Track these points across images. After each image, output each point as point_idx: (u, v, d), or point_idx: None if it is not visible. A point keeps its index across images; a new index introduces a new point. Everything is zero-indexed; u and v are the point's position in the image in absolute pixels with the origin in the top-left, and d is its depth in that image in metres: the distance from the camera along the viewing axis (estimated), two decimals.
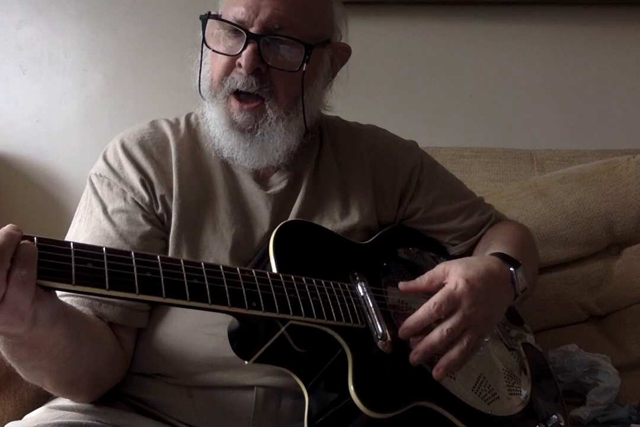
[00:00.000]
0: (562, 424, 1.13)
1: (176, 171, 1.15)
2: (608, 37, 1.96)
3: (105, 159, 1.17)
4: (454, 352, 1.01)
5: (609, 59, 1.97)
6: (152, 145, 1.18)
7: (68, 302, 1.01)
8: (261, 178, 1.20)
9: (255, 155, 1.14)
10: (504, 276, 1.11)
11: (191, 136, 1.21)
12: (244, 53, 1.07)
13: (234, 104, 1.11)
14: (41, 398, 1.21)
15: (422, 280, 1.07)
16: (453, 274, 1.05)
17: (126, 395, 1.11)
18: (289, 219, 1.15)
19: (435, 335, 1.00)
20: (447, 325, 1.00)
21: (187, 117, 1.25)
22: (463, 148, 1.83)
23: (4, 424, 1.02)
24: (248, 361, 0.97)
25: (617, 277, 1.65)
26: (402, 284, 1.08)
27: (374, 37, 1.96)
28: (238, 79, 1.09)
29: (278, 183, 1.20)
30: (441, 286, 1.05)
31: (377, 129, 1.35)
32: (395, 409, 0.94)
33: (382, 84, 2.00)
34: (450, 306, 1.01)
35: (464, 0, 1.95)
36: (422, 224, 1.31)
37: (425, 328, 1.01)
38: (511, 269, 1.12)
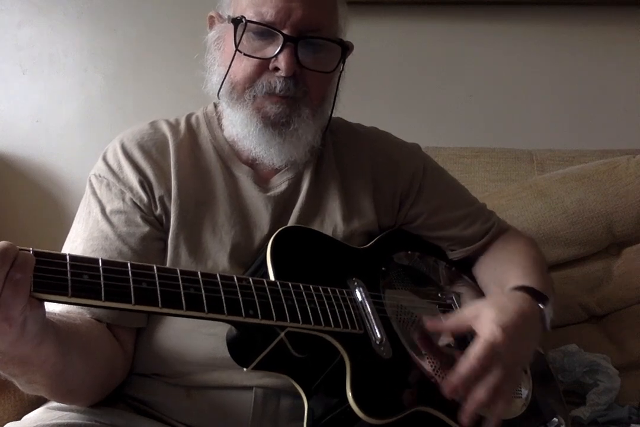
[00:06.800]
0: (562, 426, 1.13)
1: (175, 172, 1.14)
2: (608, 37, 1.96)
3: (104, 159, 1.17)
4: (500, 407, 1.00)
5: (609, 59, 1.97)
6: (151, 146, 1.17)
7: (65, 305, 1.01)
8: (261, 180, 1.19)
9: (286, 150, 1.14)
10: (535, 315, 1.10)
11: (191, 137, 1.21)
12: (282, 57, 1.06)
13: (267, 97, 1.09)
14: (41, 398, 1.20)
15: (450, 321, 1.06)
16: (487, 321, 1.02)
17: (125, 395, 1.11)
18: (287, 224, 1.15)
19: (482, 393, 0.98)
20: (491, 381, 0.98)
21: (188, 118, 1.24)
22: (463, 148, 1.83)
23: (4, 424, 1.02)
24: (247, 367, 0.97)
25: (617, 277, 1.66)
26: (428, 323, 1.07)
27: (374, 37, 1.96)
28: (274, 82, 1.08)
29: (278, 185, 1.19)
30: (469, 328, 1.04)
31: (380, 132, 1.34)
32: (394, 415, 0.94)
33: (382, 84, 2.00)
34: (490, 357, 0.99)
35: (464, 0, 1.95)
36: (422, 230, 1.30)
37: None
38: (540, 305, 1.12)
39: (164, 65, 2.03)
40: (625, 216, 1.64)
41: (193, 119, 1.24)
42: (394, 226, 1.28)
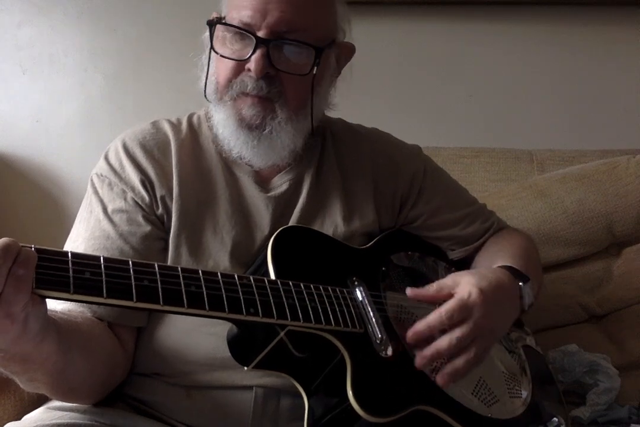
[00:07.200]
0: (562, 426, 1.13)
1: (177, 172, 1.15)
2: (608, 37, 1.96)
3: (106, 159, 1.17)
4: (460, 361, 1.00)
5: (609, 59, 1.97)
6: (153, 146, 1.17)
7: (66, 304, 1.02)
8: (262, 180, 1.19)
9: (263, 153, 1.14)
10: (513, 290, 1.11)
11: (193, 137, 1.21)
12: (253, 58, 1.06)
13: (244, 99, 1.10)
14: (41, 398, 1.21)
15: (430, 288, 1.06)
16: (465, 284, 1.04)
17: (125, 395, 1.11)
18: (288, 224, 1.15)
19: (444, 341, 0.99)
20: (457, 333, 0.99)
21: (189, 118, 1.25)
22: (463, 148, 1.83)
23: (4, 424, 1.02)
24: (247, 366, 0.97)
25: (617, 277, 1.66)
26: (409, 290, 1.07)
27: (374, 37, 1.95)
28: (248, 82, 1.08)
29: (279, 186, 1.19)
30: (450, 295, 1.04)
31: (381, 133, 1.35)
32: (395, 414, 0.94)
33: (382, 84, 2.00)
34: (462, 314, 1.00)
35: (464, 0, 1.95)
36: (422, 230, 1.30)
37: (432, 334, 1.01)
38: (520, 283, 1.12)
39: (164, 65, 2.03)
40: (625, 216, 1.64)
41: (195, 119, 1.24)
42: (394, 227, 1.28)
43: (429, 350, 0.99)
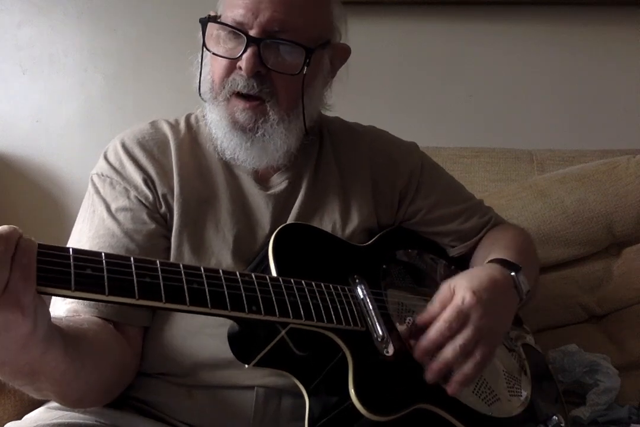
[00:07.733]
0: (562, 424, 1.13)
1: (177, 171, 1.15)
2: (608, 37, 1.96)
3: (106, 158, 1.17)
4: (467, 367, 1.00)
5: (609, 59, 1.97)
6: (152, 145, 1.18)
7: (72, 303, 1.01)
8: (261, 179, 1.20)
9: (255, 155, 1.14)
10: (507, 282, 1.11)
11: (191, 137, 1.21)
12: (244, 56, 1.06)
13: (236, 103, 1.10)
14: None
15: (434, 307, 1.05)
16: (459, 289, 1.04)
17: (127, 396, 1.10)
18: (288, 222, 1.15)
19: (449, 352, 0.99)
20: (459, 341, 0.99)
21: (187, 118, 1.25)
22: (463, 148, 1.83)
23: (4, 424, 1.02)
24: (248, 364, 0.97)
25: (617, 277, 1.66)
26: (418, 318, 1.05)
27: (374, 37, 1.96)
28: (239, 80, 1.08)
29: (278, 184, 1.20)
30: None
31: (378, 131, 1.35)
32: (396, 412, 0.94)
33: (381, 84, 2.00)
34: (460, 320, 1.00)
35: (464, 0, 1.95)
36: (421, 226, 1.31)
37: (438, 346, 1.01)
38: (512, 273, 1.12)
39: (164, 65, 2.03)
40: (625, 216, 1.64)
41: (192, 119, 1.25)
42: (393, 224, 1.28)
43: (436, 364, 1.00)
